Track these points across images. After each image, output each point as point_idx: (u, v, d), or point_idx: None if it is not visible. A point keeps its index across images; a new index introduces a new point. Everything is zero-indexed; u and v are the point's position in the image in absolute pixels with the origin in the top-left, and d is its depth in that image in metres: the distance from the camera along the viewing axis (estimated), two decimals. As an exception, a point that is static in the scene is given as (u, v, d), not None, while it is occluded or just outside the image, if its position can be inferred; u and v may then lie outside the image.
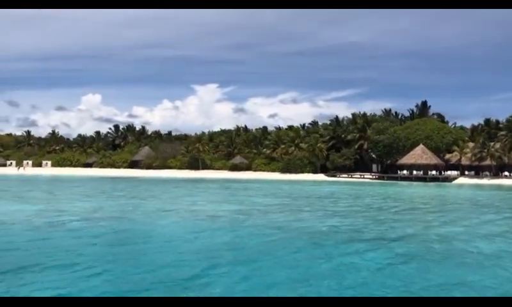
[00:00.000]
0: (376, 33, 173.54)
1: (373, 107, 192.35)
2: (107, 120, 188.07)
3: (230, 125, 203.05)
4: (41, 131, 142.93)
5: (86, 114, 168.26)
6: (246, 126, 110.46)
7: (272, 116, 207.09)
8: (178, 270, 10.48)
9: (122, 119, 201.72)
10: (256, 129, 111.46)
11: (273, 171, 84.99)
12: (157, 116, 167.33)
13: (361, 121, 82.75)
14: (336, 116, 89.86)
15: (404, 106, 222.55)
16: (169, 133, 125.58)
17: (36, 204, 26.21)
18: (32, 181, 58.39)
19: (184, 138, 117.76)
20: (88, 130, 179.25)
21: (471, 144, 75.30)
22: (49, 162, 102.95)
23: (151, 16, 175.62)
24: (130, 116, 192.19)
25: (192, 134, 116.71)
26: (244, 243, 14.18)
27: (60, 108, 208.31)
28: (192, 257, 11.97)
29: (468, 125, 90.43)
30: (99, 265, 10.94)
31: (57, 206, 25.30)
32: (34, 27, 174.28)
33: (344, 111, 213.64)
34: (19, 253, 12.69)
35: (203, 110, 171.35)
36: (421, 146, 74.75)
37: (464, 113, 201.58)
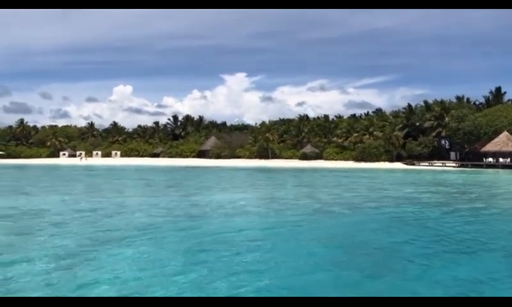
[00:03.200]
0: (408, 18, 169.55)
1: (405, 93, 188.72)
2: (137, 111, 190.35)
3: (258, 114, 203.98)
4: (74, 122, 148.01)
5: (117, 104, 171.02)
6: (307, 115, 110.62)
7: (300, 104, 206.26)
8: None
9: (152, 109, 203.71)
10: (315, 118, 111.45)
11: (346, 159, 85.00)
12: (187, 106, 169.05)
13: (439, 109, 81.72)
14: (409, 104, 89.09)
15: (437, 93, 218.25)
16: (224, 123, 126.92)
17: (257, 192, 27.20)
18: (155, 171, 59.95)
19: (242, 128, 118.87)
20: (120, 120, 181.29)
21: (559, 131, 73.64)
22: (118, 153, 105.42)
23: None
24: (160, 106, 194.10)
25: (254, 124, 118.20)
26: None
27: (91, 99, 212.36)
28: None
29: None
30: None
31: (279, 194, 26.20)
32: (65, 21, 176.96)
33: (374, 99, 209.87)
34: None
35: (232, 99, 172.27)
36: (505, 133, 73.43)
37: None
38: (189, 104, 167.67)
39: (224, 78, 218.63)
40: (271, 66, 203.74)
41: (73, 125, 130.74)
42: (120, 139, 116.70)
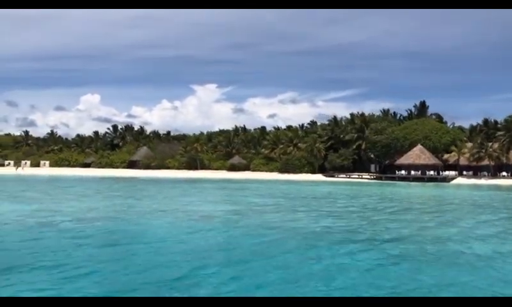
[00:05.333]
0: (376, 33, 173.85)
1: (373, 107, 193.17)
2: (106, 120, 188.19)
3: (229, 126, 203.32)
4: (40, 131, 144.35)
5: (85, 114, 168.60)
6: (244, 126, 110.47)
7: (271, 116, 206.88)
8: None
9: (121, 119, 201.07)
10: (254, 129, 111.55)
11: (271, 171, 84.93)
12: (156, 116, 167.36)
13: (360, 121, 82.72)
14: (335, 116, 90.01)
15: (404, 106, 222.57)
16: (168, 133, 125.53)
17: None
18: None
19: (182, 138, 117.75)
20: (87, 130, 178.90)
21: (469, 145, 75.31)
22: (47, 162, 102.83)
23: (150, 16, 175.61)
24: (129, 116, 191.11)
25: (191, 134, 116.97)
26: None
27: (59, 108, 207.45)
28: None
29: (468, 125, 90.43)
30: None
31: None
32: (33, 27, 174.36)
33: (343, 111, 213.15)
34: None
35: (202, 110, 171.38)
36: (419, 146, 74.78)
37: (464, 113, 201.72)
38: (159, 114, 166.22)
39: (194, 88, 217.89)
40: (241, 77, 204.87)
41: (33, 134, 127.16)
42: (55, 148, 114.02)
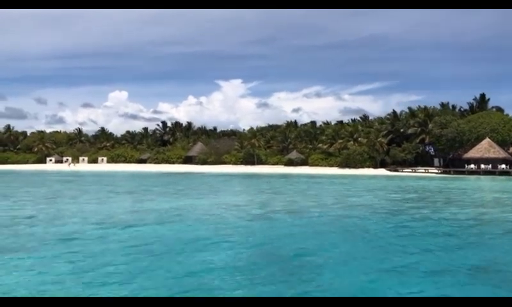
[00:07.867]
0: (402, 25, 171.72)
1: (400, 100, 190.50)
2: (133, 116, 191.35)
3: (254, 120, 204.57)
4: (69, 128, 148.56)
5: (112, 110, 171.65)
6: (295, 121, 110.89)
7: (296, 110, 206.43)
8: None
9: (148, 115, 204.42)
10: (303, 124, 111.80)
11: (331, 165, 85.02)
12: (182, 112, 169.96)
13: (422, 115, 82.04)
14: (394, 110, 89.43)
15: (431, 99, 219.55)
16: (215, 129, 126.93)
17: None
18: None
19: (230, 134, 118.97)
20: (115, 126, 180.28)
21: (539, 138, 74.12)
22: (105, 158, 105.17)
23: (175, 13, 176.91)
24: (156, 112, 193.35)
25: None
26: None
27: (87, 105, 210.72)
28: None
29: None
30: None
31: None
32: (61, 26, 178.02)
33: (369, 105, 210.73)
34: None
35: (228, 105, 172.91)
36: (487, 139, 73.89)
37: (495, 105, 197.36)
38: (185, 110, 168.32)
39: (219, 84, 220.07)
40: (266, 72, 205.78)
41: (63, 130, 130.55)
42: (108, 144, 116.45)
